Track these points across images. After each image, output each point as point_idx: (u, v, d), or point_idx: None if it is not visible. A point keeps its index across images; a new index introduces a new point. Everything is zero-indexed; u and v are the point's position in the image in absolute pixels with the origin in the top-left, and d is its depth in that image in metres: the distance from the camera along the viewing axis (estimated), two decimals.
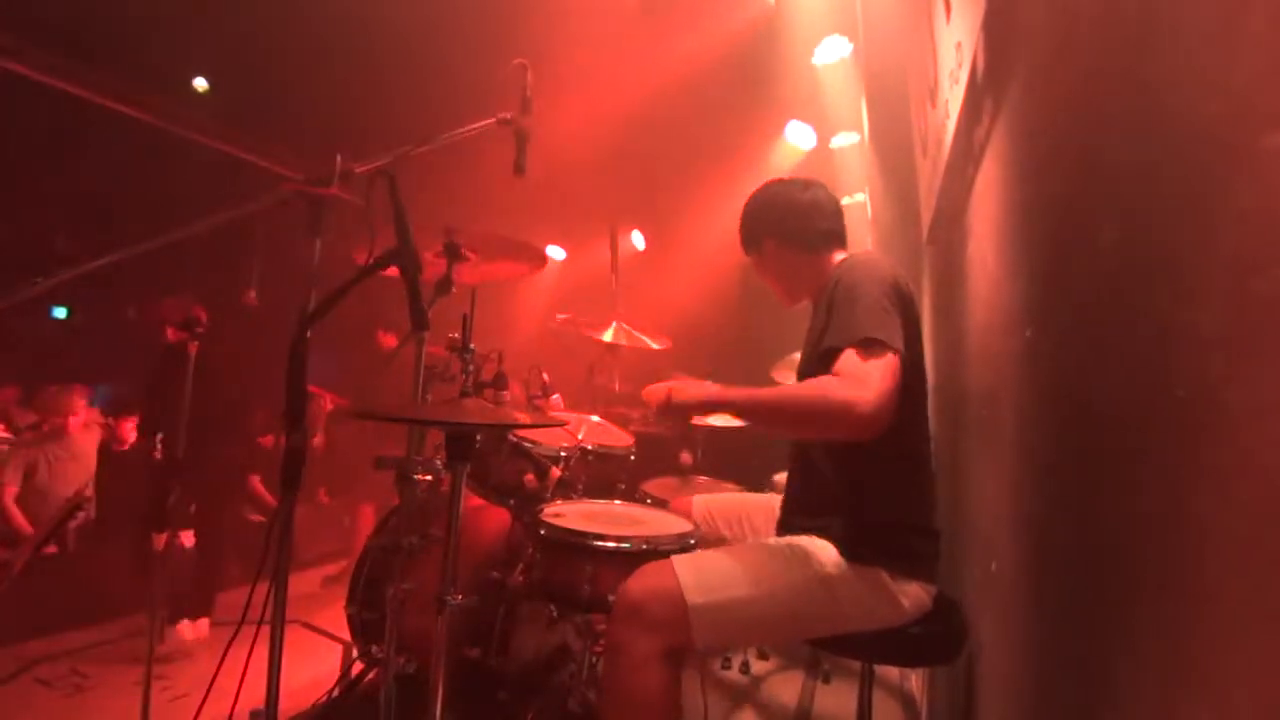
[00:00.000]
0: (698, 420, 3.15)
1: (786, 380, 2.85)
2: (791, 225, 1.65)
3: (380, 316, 3.70)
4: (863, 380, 1.26)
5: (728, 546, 1.58)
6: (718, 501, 1.90)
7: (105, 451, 3.53)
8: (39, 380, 3.40)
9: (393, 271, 1.28)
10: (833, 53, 3.65)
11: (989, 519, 1.49)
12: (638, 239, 5.67)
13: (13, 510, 3.26)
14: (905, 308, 1.41)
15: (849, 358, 1.30)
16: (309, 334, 1.26)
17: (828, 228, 1.65)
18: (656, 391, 1.49)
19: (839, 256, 1.63)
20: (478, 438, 1.86)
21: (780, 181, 1.72)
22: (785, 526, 1.59)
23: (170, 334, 2.78)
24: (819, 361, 1.37)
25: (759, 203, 1.71)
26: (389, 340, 3.93)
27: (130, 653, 2.62)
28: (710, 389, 1.44)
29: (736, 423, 3.15)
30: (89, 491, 2.46)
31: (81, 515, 2.44)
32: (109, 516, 3.33)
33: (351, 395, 4.36)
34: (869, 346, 1.29)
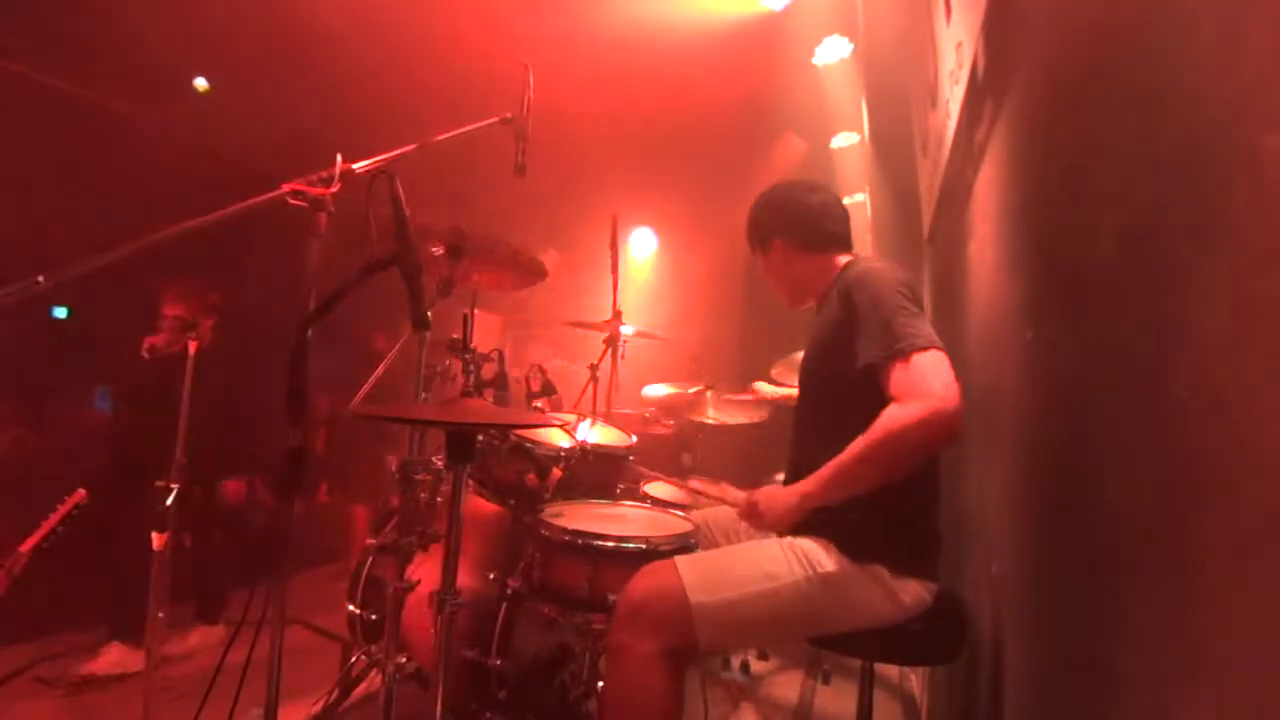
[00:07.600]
0: (698, 420, 3.17)
1: (787, 379, 2.85)
2: (800, 227, 1.68)
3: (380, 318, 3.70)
4: (921, 388, 1.27)
5: (730, 546, 1.59)
6: (714, 513, 1.90)
7: (104, 450, 3.52)
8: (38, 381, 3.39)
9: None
10: (833, 53, 3.66)
11: (990, 518, 1.49)
12: (644, 240, 5.65)
13: None
14: (921, 307, 1.42)
15: (897, 374, 1.30)
16: (309, 334, 1.25)
17: (835, 230, 1.67)
18: (746, 507, 1.50)
19: (843, 259, 1.64)
20: (478, 438, 1.85)
21: (789, 184, 1.74)
22: None
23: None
24: (860, 374, 1.37)
25: (768, 204, 1.73)
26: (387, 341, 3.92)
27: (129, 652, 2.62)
28: (794, 495, 1.41)
29: (741, 422, 3.14)
30: (86, 491, 2.45)
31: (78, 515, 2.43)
32: (110, 517, 3.31)
33: (350, 395, 4.34)
34: (909, 354, 1.30)
